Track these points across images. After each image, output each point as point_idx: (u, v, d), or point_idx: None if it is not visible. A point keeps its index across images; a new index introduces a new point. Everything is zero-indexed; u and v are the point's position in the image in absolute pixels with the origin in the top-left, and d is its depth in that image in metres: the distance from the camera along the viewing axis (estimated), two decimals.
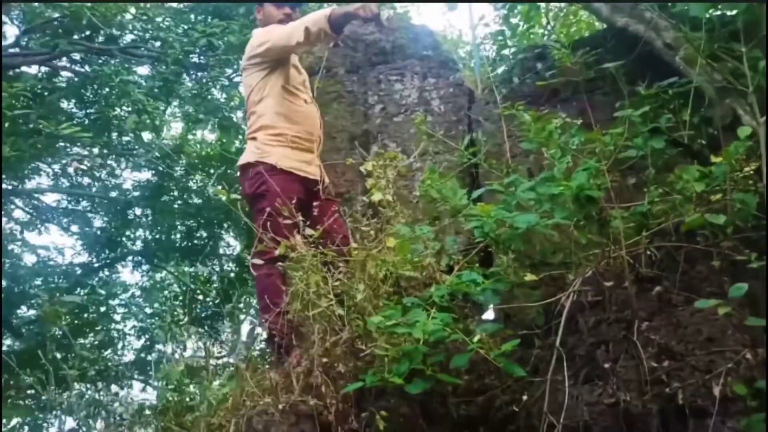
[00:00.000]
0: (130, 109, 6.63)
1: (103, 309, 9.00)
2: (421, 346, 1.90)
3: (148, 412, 2.63)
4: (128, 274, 8.35)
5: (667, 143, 2.28)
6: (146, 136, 8.08)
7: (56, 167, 7.93)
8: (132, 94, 6.25)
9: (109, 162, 9.16)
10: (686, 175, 1.92)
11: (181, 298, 7.90)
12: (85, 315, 7.85)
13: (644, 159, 2.38)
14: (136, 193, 8.68)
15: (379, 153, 4.25)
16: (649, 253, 2.10)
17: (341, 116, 4.47)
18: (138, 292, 8.40)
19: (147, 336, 8.04)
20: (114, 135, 8.27)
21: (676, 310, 1.93)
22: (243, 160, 3.01)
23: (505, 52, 5.24)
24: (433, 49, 5.18)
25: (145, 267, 8.28)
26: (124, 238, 7.87)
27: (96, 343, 8.01)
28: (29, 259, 8.17)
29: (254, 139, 3.01)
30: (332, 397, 2.02)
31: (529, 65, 3.93)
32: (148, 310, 8.62)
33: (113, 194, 7.97)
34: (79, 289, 8.50)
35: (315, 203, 2.91)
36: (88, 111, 7.33)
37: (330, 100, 4.53)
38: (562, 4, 5.30)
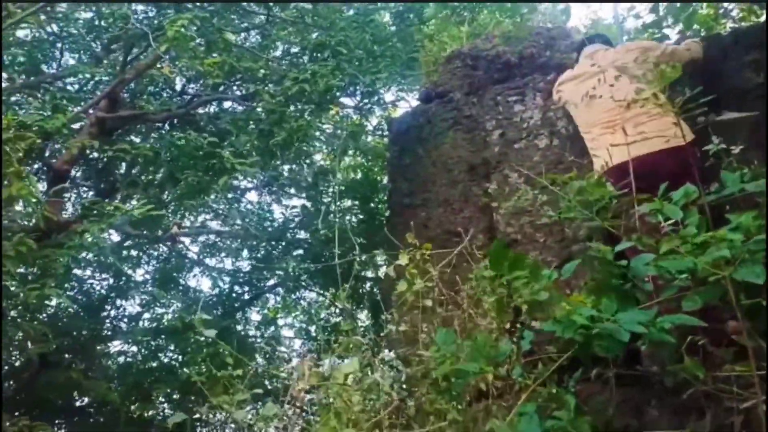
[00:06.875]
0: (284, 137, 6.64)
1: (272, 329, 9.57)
2: None
3: None
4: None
5: None
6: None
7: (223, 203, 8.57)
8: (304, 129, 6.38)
9: (273, 189, 9.69)
10: None
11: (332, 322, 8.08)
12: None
13: None
14: (296, 219, 9.06)
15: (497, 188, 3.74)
16: None
17: (459, 145, 4.04)
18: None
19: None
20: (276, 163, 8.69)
21: None
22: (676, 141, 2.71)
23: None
24: (575, 52, 4.48)
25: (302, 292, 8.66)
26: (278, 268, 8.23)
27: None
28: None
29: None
30: None
31: None
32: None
33: (268, 224, 8.41)
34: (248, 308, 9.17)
35: None
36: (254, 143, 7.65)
37: (446, 128, 4.13)
38: None
